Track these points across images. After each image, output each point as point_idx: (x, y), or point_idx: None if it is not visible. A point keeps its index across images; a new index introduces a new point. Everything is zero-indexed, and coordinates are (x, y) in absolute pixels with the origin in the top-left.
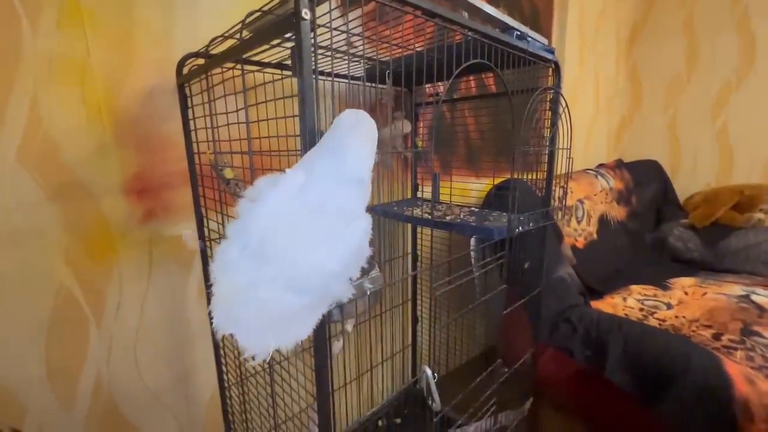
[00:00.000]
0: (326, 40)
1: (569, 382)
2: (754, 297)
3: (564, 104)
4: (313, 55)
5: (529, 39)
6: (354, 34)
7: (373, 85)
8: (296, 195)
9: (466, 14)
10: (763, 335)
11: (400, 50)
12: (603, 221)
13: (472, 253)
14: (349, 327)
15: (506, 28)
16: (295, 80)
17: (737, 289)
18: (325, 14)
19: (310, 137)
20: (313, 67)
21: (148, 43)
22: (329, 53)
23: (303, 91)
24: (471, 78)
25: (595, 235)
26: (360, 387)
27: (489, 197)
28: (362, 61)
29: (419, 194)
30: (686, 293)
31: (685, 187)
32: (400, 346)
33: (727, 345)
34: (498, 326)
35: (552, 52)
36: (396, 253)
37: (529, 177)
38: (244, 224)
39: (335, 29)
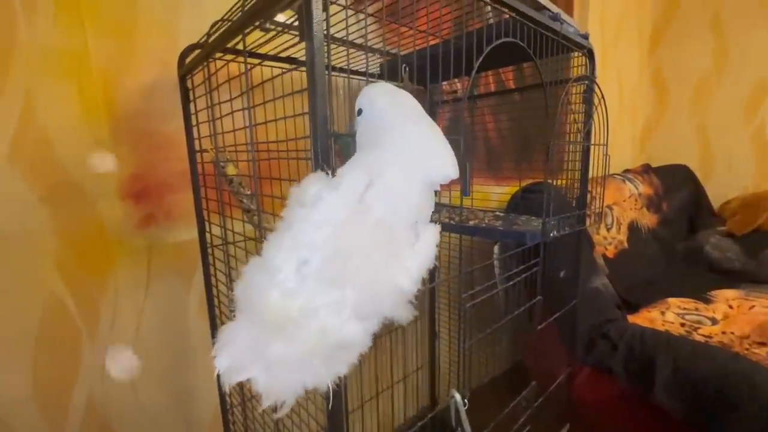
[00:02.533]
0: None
1: (609, 406)
2: None
3: (600, 95)
4: (324, 23)
5: (563, 22)
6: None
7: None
8: (360, 201)
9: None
10: None
11: (418, 42)
12: (633, 229)
13: (495, 263)
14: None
15: (540, 8)
16: (303, 75)
17: None
18: None
19: (321, 130)
20: (326, 41)
21: (151, 34)
22: (340, 43)
23: (313, 76)
24: (489, 74)
25: (625, 244)
26: (376, 408)
27: (514, 201)
28: (375, 54)
29: (438, 199)
30: (731, 307)
31: (719, 192)
32: (417, 365)
33: None
34: (526, 343)
35: (586, 37)
36: None
37: (558, 179)
38: (300, 236)
39: (349, 7)
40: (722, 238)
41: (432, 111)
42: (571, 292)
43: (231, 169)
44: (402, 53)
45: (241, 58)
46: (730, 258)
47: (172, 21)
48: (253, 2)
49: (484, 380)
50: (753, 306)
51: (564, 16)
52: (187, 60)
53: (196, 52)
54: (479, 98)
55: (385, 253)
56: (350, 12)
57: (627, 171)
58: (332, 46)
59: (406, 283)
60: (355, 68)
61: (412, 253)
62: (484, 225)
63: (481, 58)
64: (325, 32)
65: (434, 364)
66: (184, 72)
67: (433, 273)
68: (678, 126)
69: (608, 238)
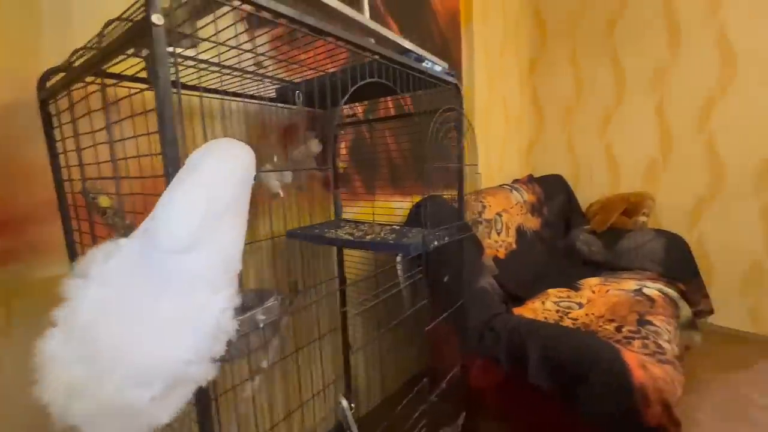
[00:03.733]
0: (214, 55)
1: (501, 390)
2: (645, 290)
3: (467, 123)
4: (172, 65)
5: (428, 62)
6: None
7: (281, 105)
8: (136, 269)
9: (372, 40)
10: (654, 324)
11: (308, 74)
12: (520, 232)
13: (399, 272)
14: (264, 364)
15: (404, 51)
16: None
17: (632, 284)
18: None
19: (171, 159)
20: (173, 79)
21: (4, 53)
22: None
23: (161, 104)
24: (389, 99)
25: (514, 245)
26: (290, 428)
27: (410, 215)
28: (264, 81)
29: (343, 215)
30: (593, 292)
31: (585, 197)
32: (332, 378)
33: (627, 336)
34: (423, 343)
35: (452, 75)
36: (321, 278)
37: (448, 194)
38: (72, 307)
39: (223, 44)
40: (588, 235)
41: (334, 133)
42: (459, 293)
43: (104, 201)
44: (295, 81)
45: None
46: (594, 251)
47: (31, 40)
48: (108, 43)
49: (399, 387)
50: (608, 290)
51: (429, 57)
52: (48, 83)
53: (59, 75)
54: (370, 122)
55: (155, 321)
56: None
57: (515, 181)
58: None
59: (181, 353)
60: (252, 93)
61: (193, 322)
62: (378, 240)
63: (347, 96)
64: (174, 79)
65: (350, 376)
66: (46, 96)
67: (343, 285)
68: (553, 141)
69: (499, 241)
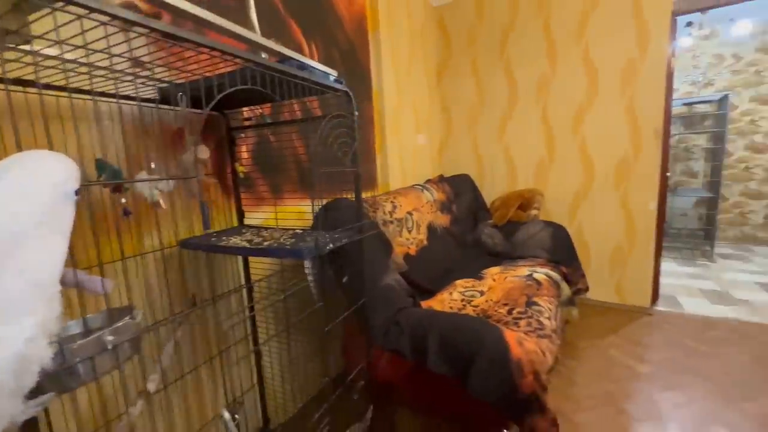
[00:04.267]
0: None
1: (407, 381)
2: (535, 275)
3: (355, 129)
4: None
5: (312, 69)
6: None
7: (160, 106)
8: None
9: (264, 55)
10: (539, 304)
11: (189, 76)
12: (431, 229)
13: (308, 276)
14: (152, 386)
15: (285, 59)
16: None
17: (525, 271)
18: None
19: None
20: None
21: None
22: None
23: None
24: (295, 102)
25: (426, 242)
26: None
27: (315, 218)
28: (137, 81)
29: (246, 221)
30: (494, 280)
31: (489, 194)
32: (245, 389)
33: (516, 317)
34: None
35: (341, 82)
36: (225, 288)
37: (349, 196)
38: None
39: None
40: (492, 229)
41: (230, 136)
42: (362, 292)
43: None
44: (177, 82)
45: None
46: (497, 243)
47: None
48: None
49: (321, 386)
50: (506, 277)
51: (315, 64)
52: None
53: None
54: (269, 126)
55: None
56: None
57: (428, 181)
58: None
59: None
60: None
61: None
62: (275, 245)
63: (213, 102)
64: None
65: (263, 385)
66: None
67: (250, 294)
68: (460, 144)
69: (410, 239)
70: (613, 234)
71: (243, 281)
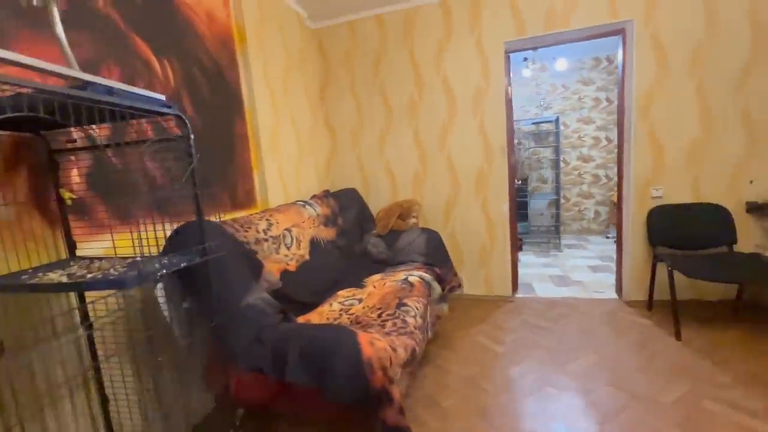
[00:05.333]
0: None
1: (267, 398)
2: (410, 278)
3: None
4: None
5: (124, 92)
6: None
7: None
8: None
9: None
10: (408, 305)
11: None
12: (314, 243)
13: (160, 301)
14: None
15: (86, 85)
16: None
17: (402, 275)
18: None
19: None
20: None
21: None
22: None
23: None
24: (145, 122)
25: (307, 257)
26: None
27: (168, 242)
28: None
29: (82, 252)
30: (375, 287)
31: (376, 205)
32: None
33: (385, 319)
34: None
35: (169, 106)
36: (48, 330)
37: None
38: None
39: None
40: (376, 238)
41: (52, 159)
42: (213, 314)
43: None
44: None
45: None
46: (380, 251)
47: None
48: None
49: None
50: (386, 282)
51: (133, 89)
52: None
53: None
54: (98, 148)
55: None
56: None
57: (313, 197)
58: None
59: None
60: None
61: None
62: (100, 276)
63: None
64: None
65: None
66: None
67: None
68: (346, 159)
69: (290, 255)
70: (479, 235)
71: (78, 320)
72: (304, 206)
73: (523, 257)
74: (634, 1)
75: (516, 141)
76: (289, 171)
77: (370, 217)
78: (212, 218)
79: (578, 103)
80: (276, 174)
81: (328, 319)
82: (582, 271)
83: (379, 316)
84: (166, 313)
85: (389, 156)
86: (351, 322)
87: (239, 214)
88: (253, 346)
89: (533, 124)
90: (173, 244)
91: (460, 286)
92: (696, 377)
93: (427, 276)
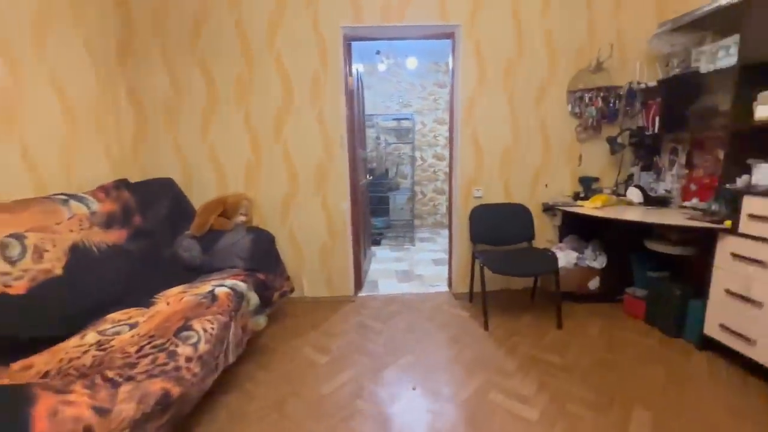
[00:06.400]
0: None
1: None
2: (217, 290)
3: None
4: None
5: None
6: None
7: None
8: None
9: None
10: (193, 328)
11: None
12: (77, 251)
13: None
14: None
15: None
16: None
17: (209, 287)
18: None
19: None
20: None
21: None
22: None
23: None
24: None
25: (59, 271)
26: None
27: None
28: None
29: None
30: (168, 303)
31: (201, 200)
32: None
33: (146, 353)
34: None
35: None
36: None
37: None
38: None
39: None
40: (190, 240)
41: None
42: None
43: None
44: None
45: None
46: (194, 256)
47: None
48: None
49: None
50: (183, 297)
51: None
52: None
53: None
54: None
55: None
56: None
57: (100, 188)
58: None
59: None
60: None
61: None
62: None
63: None
64: None
65: None
66: None
67: None
68: (161, 142)
69: (13, 272)
70: (319, 233)
71: None
72: (64, 202)
73: (379, 252)
74: (461, 7)
75: (375, 135)
76: (46, 153)
77: (189, 215)
78: None
79: (434, 104)
80: (16, 157)
81: (69, 359)
82: (425, 265)
83: (140, 350)
84: None
85: (215, 141)
86: (92, 363)
87: None
88: None
89: (394, 120)
90: None
91: (292, 290)
92: (490, 368)
93: (242, 285)
